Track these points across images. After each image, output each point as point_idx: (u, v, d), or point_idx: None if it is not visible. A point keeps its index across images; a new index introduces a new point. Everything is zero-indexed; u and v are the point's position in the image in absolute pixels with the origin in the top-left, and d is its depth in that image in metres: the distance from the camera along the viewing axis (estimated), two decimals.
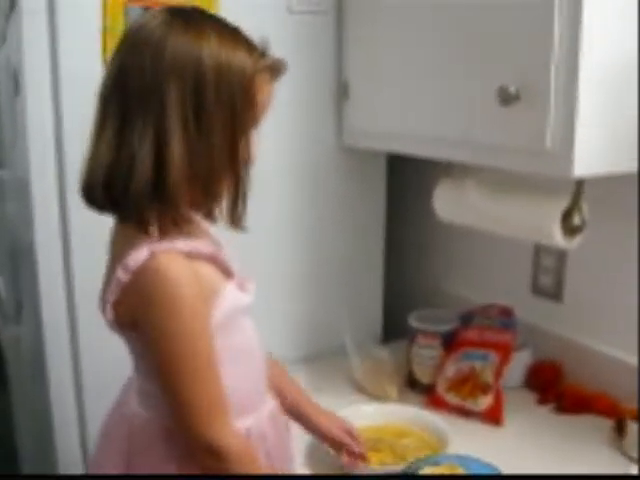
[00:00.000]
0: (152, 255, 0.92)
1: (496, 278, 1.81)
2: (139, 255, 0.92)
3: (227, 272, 1.05)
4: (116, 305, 0.97)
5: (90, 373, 1.53)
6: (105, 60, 1.41)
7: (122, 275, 0.94)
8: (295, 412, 1.25)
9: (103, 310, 1.00)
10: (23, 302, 1.83)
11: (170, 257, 0.93)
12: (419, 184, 1.74)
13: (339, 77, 1.69)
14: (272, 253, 1.72)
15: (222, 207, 1.03)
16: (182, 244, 0.96)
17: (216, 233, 1.10)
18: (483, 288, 1.84)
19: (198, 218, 1.07)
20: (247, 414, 1.08)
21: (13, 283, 1.91)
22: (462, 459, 1.21)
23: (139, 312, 0.95)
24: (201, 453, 0.98)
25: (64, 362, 1.54)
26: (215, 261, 1.02)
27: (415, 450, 1.33)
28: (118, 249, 0.99)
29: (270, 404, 1.14)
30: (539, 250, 1.66)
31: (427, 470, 1.19)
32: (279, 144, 1.65)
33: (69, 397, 1.55)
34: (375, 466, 1.28)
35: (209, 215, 1.05)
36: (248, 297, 1.08)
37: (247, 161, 1.00)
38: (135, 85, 0.92)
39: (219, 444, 0.97)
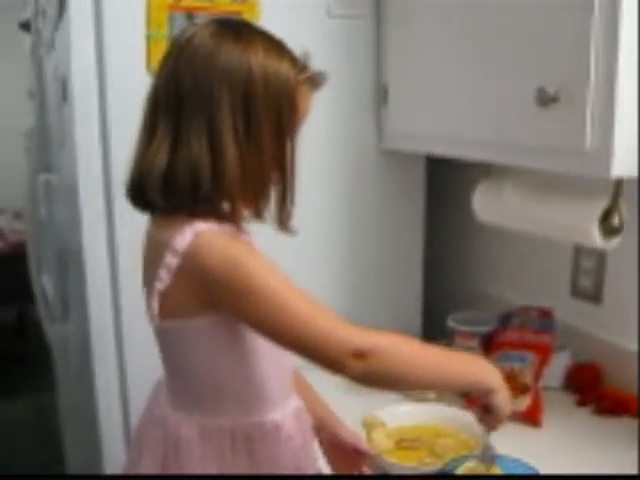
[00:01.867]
0: (197, 235, 0.96)
1: (536, 280, 1.80)
2: (185, 238, 0.96)
3: None
4: (165, 295, 0.99)
5: (135, 373, 1.57)
6: (149, 67, 1.45)
7: (171, 260, 0.97)
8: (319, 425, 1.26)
9: (148, 306, 1.03)
10: (70, 302, 1.88)
11: (214, 232, 0.98)
12: (459, 186, 1.75)
13: (378, 81, 1.71)
14: (311, 254, 1.74)
15: (270, 210, 1.06)
16: (222, 227, 1.00)
17: (259, 232, 1.12)
18: (522, 290, 1.84)
19: (243, 225, 1.10)
20: (276, 408, 1.10)
21: (60, 283, 1.96)
22: (500, 459, 1.21)
23: (204, 291, 0.97)
24: (354, 363, 0.94)
25: (110, 362, 1.58)
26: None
27: (453, 450, 1.33)
28: (156, 241, 1.02)
29: (296, 401, 1.16)
30: (579, 252, 1.65)
31: (463, 468, 1.19)
32: (320, 148, 1.68)
33: (114, 397, 1.60)
34: (412, 464, 1.29)
35: (258, 215, 1.07)
36: None
37: (292, 165, 1.04)
38: (188, 91, 0.97)
39: (366, 344, 0.95)
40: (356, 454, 1.25)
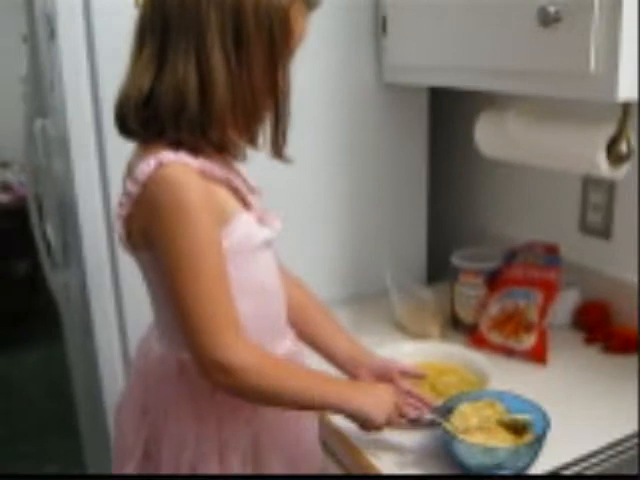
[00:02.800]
0: (160, 165, 0.93)
1: (543, 216, 1.75)
2: (147, 166, 0.93)
3: (245, 202, 1.05)
4: (128, 222, 0.98)
5: (133, 315, 1.54)
6: (137, 1, 1.39)
7: (132, 188, 0.95)
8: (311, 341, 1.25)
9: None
10: (70, 248, 1.86)
11: (178, 167, 0.94)
12: (462, 119, 1.69)
13: (376, 11, 1.64)
14: (314, 193, 1.70)
15: (265, 139, 1.04)
16: (193, 161, 0.96)
17: (261, 172, 1.10)
18: (530, 226, 1.79)
19: (233, 160, 1.09)
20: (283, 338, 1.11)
21: (61, 231, 1.94)
22: (503, 395, 1.19)
23: (149, 224, 0.95)
24: (214, 372, 0.96)
25: (108, 304, 1.57)
26: (231, 187, 1.02)
27: (455, 387, 1.31)
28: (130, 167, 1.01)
29: (286, 346, 1.14)
30: (587, 186, 1.60)
31: (466, 405, 1.17)
32: (317, 83, 1.62)
33: (114, 340, 1.59)
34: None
35: (252, 142, 1.04)
36: (268, 232, 1.07)
37: (285, 91, 1.01)
38: (174, 11, 0.94)
39: (230, 360, 0.95)
40: (403, 376, 1.24)
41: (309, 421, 1.19)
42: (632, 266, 1.53)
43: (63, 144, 1.55)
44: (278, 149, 1.04)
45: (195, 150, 0.97)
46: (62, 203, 1.82)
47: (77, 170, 1.47)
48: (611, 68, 1.08)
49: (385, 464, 1.15)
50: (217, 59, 0.93)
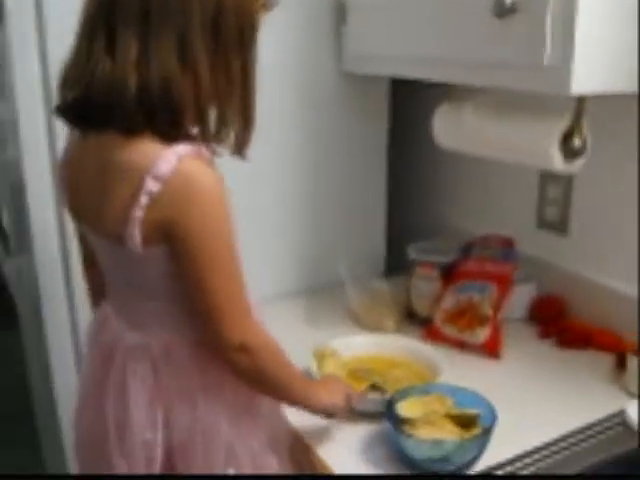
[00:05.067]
0: (180, 160, 0.92)
1: (502, 209, 1.75)
2: (168, 163, 0.91)
3: None
4: (143, 223, 0.94)
5: (86, 303, 1.50)
6: None
7: (153, 185, 0.91)
8: None
9: (117, 234, 0.96)
10: (24, 235, 1.82)
11: (196, 161, 0.94)
12: (423, 110, 1.67)
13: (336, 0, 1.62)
14: (271, 183, 1.68)
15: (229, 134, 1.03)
16: (204, 150, 0.97)
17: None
18: (488, 220, 1.79)
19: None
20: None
21: (15, 216, 1.90)
22: (453, 389, 1.18)
23: (171, 218, 0.93)
24: (238, 353, 0.99)
25: (58, 293, 1.54)
26: None
27: (406, 381, 1.29)
28: (118, 163, 0.95)
29: None
30: (545, 180, 1.59)
31: (414, 398, 1.16)
32: (276, 72, 1.59)
33: (65, 328, 1.56)
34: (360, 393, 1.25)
35: (219, 137, 1.03)
36: None
37: (254, 83, 1.02)
38: (156, 2, 0.92)
39: (253, 340, 1.00)
40: None
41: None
42: (588, 261, 1.53)
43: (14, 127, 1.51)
44: (243, 146, 1.04)
45: (186, 141, 0.96)
46: (14, 189, 1.78)
47: (26, 154, 1.43)
48: (565, 61, 1.07)
49: (332, 457, 1.14)
50: (199, 49, 0.94)
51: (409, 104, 1.91)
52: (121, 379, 1.06)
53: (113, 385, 1.07)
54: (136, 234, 0.94)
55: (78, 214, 1.09)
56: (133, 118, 0.93)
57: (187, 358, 1.05)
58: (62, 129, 1.08)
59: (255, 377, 1.04)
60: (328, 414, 1.14)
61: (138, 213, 0.93)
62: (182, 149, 0.93)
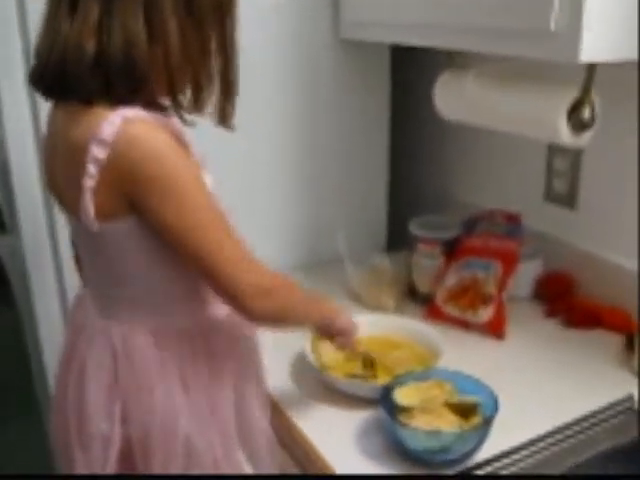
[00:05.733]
0: (125, 121, 0.86)
1: (508, 182, 1.68)
2: (113, 126, 0.86)
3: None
4: (95, 193, 0.89)
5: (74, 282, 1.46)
6: None
7: (99, 152, 0.86)
8: None
9: (76, 210, 0.92)
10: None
11: (144, 121, 0.88)
12: (424, 80, 1.60)
13: None
14: (270, 156, 1.62)
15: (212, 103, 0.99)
16: (151, 116, 0.90)
17: (210, 133, 1.02)
18: (494, 193, 1.72)
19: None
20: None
21: (6, 195, 1.85)
22: (453, 375, 1.13)
23: (131, 187, 0.88)
24: (257, 298, 0.95)
25: (47, 273, 1.51)
26: (181, 142, 0.95)
27: (406, 363, 1.25)
28: (73, 137, 0.90)
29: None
30: (553, 152, 1.52)
31: (412, 385, 1.11)
32: (271, 39, 1.53)
33: (54, 308, 1.52)
34: (356, 381, 1.21)
35: (198, 106, 0.98)
36: (210, 181, 1.01)
37: (234, 48, 0.97)
38: None
39: (267, 280, 0.98)
40: None
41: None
42: (597, 237, 1.47)
43: None
44: (226, 117, 1.00)
45: (145, 108, 0.91)
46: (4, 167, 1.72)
47: (10, 133, 1.38)
48: (574, 27, 0.99)
49: (326, 446, 1.09)
50: (168, 14, 0.89)
51: (411, 73, 1.83)
52: (82, 364, 1.02)
53: (75, 369, 1.03)
54: (89, 207, 0.89)
55: (55, 194, 1.04)
56: (88, 86, 0.88)
57: (145, 347, 1.00)
58: (46, 105, 1.03)
59: (281, 315, 1.02)
60: (340, 333, 1.14)
61: (89, 183, 0.88)
62: (129, 111, 0.87)
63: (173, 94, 0.95)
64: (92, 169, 0.87)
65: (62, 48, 0.88)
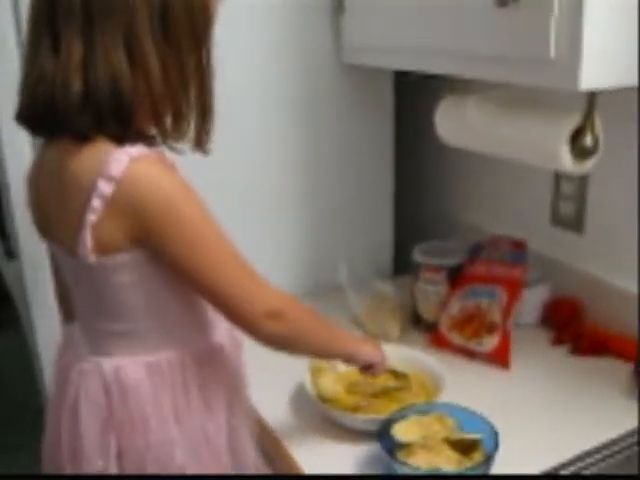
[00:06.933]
0: (132, 160, 0.88)
1: (513, 207, 1.66)
2: (120, 163, 0.87)
3: None
4: (95, 227, 0.89)
5: None
6: None
7: (105, 187, 0.87)
8: None
9: (72, 244, 0.92)
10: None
11: (149, 160, 0.90)
12: (429, 104, 1.58)
13: None
14: (272, 182, 1.61)
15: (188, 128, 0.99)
16: (151, 152, 0.92)
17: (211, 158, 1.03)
18: (500, 217, 1.70)
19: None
20: (215, 329, 1.07)
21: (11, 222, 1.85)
22: (454, 409, 1.10)
23: (137, 222, 0.89)
24: (269, 322, 0.96)
25: (48, 299, 1.49)
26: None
27: (410, 393, 1.22)
28: (71, 171, 0.91)
29: (223, 334, 1.09)
30: (560, 175, 1.50)
31: (413, 419, 1.09)
32: (271, 62, 1.52)
33: (55, 335, 1.50)
34: (360, 415, 1.19)
35: (179, 134, 0.99)
36: None
37: (210, 74, 0.98)
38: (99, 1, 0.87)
39: (279, 303, 0.98)
40: None
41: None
42: (605, 262, 1.44)
43: None
44: (202, 141, 1.00)
45: (137, 141, 0.92)
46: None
47: (7, 156, 1.38)
48: (573, 54, 0.97)
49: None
50: (148, 45, 0.89)
51: (415, 97, 1.81)
52: (74, 403, 1.01)
53: (67, 410, 1.02)
54: (87, 240, 0.90)
55: (43, 230, 1.04)
56: (80, 122, 0.88)
57: (138, 379, 0.99)
58: None
59: (297, 339, 1.02)
60: (367, 365, 1.14)
61: (91, 217, 0.88)
62: (135, 150, 0.89)
63: (159, 123, 0.96)
64: (97, 204, 0.88)
65: (49, 86, 0.88)
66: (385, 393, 1.24)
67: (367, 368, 1.15)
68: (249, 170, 1.56)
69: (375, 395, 1.24)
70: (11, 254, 1.99)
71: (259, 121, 1.53)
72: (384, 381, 1.25)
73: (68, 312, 1.16)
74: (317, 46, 1.56)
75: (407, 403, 1.18)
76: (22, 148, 1.38)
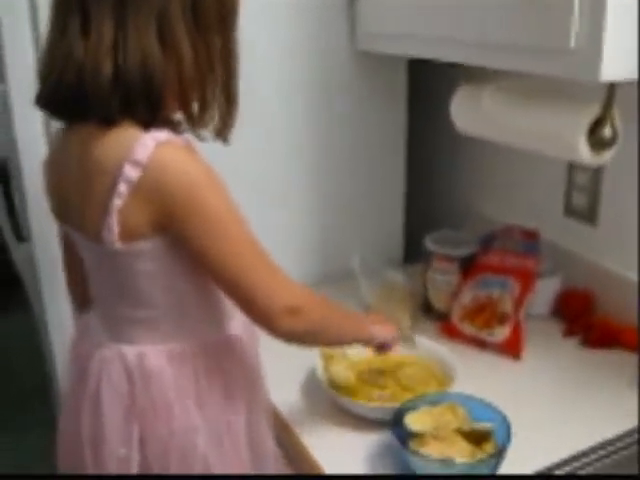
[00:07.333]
0: (158, 145, 0.87)
1: (527, 196, 1.65)
2: (147, 148, 0.86)
3: None
4: (121, 212, 0.88)
5: None
6: None
7: (132, 172, 0.86)
8: None
9: (95, 230, 0.91)
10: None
11: (175, 146, 0.89)
12: (443, 92, 1.57)
13: None
14: (285, 169, 1.60)
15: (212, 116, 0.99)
16: (178, 137, 0.92)
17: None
18: (513, 207, 1.69)
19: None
20: (233, 320, 1.06)
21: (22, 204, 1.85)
22: (466, 399, 1.10)
23: (163, 208, 0.88)
24: (286, 317, 0.95)
25: (59, 284, 1.47)
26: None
27: (421, 381, 1.23)
28: (96, 156, 0.90)
29: (239, 325, 1.09)
30: (573, 165, 1.49)
31: (424, 409, 1.09)
32: (287, 49, 1.51)
33: (66, 318, 1.51)
34: (373, 404, 1.19)
35: (203, 120, 0.99)
36: None
37: (236, 59, 0.98)
38: None
39: (298, 299, 0.97)
40: None
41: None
42: (618, 253, 1.43)
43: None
44: (225, 129, 0.99)
45: (163, 127, 0.91)
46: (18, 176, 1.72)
47: (20, 139, 1.37)
48: (594, 44, 0.96)
49: (334, 467, 1.07)
50: (180, 28, 0.89)
51: (428, 84, 1.80)
52: (95, 392, 1.00)
53: (88, 399, 1.01)
54: (114, 225, 0.89)
55: (62, 216, 1.03)
56: (109, 106, 0.87)
57: (161, 366, 0.98)
58: None
59: (315, 335, 1.03)
60: (380, 345, 1.17)
61: (117, 202, 0.88)
62: (162, 135, 0.88)
63: (186, 108, 0.96)
64: (123, 188, 0.87)
65: (77, 69, 0.87)
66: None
67: (380, 348, 1.17)
68: (262, 157, 1.55)
69: (381, 372, 1.27)
70: (21, 237, 2.00)
71: (272, 108, 1.52)
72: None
73: (82, 301, 1.16)
74: (332, 33, 1.55)
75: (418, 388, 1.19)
76: (35, 132, 1.38)
